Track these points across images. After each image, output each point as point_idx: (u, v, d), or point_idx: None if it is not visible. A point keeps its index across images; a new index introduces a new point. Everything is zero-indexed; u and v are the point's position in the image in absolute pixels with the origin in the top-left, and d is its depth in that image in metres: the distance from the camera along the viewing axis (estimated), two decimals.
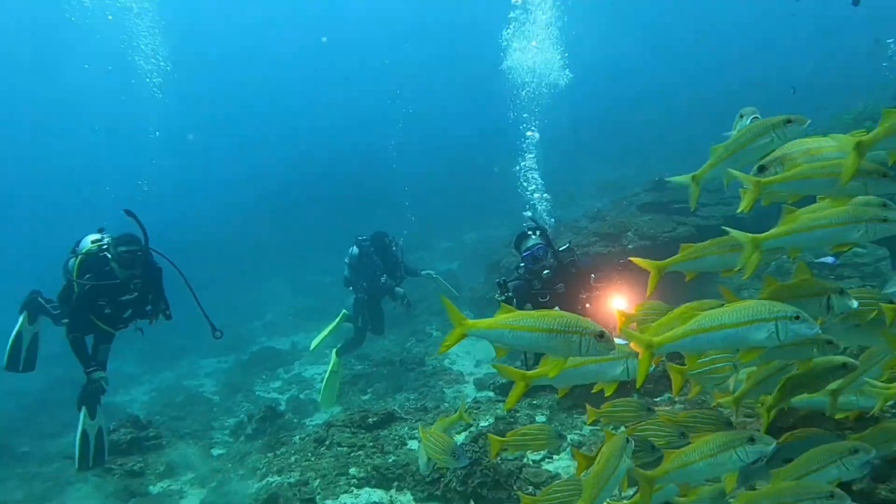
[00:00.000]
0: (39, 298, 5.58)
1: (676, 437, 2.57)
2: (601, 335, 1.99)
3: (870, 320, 2.48)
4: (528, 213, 7.94)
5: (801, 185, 2.30)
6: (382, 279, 7.48)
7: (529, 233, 5.20)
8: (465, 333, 2.12)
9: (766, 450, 2.20)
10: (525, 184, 8.46)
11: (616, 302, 4.73)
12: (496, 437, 3.00)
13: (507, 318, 2.07)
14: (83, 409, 5.05)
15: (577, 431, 4.71)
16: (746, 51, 28.76)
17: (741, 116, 2.59)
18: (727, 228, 2.34)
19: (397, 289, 7.56)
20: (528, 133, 9.16)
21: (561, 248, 5.19)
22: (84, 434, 5.06)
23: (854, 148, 2.10)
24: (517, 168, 8.68)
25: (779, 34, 27.21)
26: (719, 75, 24.73)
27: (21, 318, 5.55)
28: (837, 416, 2.64)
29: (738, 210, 2.40)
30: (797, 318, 2.00)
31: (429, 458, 3.13)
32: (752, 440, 2.19)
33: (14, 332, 5.53)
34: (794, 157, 2.42)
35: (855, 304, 2.32)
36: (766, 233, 2.31)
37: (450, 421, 3.52)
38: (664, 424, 2.63)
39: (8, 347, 5.51)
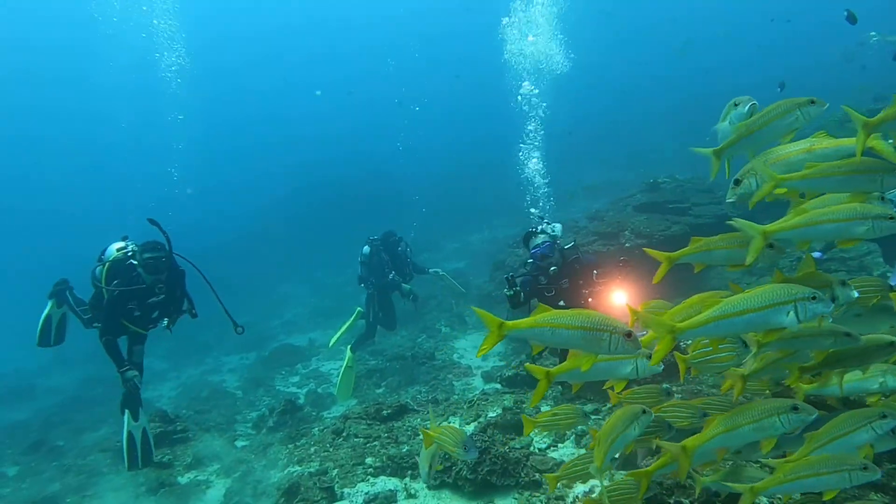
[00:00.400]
0: (67, 293, 5.60)
1: (699, 417, 2.54)
2: (629, 334, 2.01)
3: (871, 308, 2.40)
4: (535, 211, 7.78)
5: (818, 182, 2.23)
6: (390, 276, 7.41)
7: (537, 231, 5.13)
8: (505, 334, 2.08)
9: (808, 419, 2.16)
10: (528, 170, 8.24)
11: (617, 297, 4.66)
12: (529, 417, 2.98)
13: (546, 318, 2.06)
14: (126, 412, 5.04)
15: None
16: (735, 55, 28.52)
17: (735, 105, 2.47)
18: (737, 220, 2.24)
19: (404, 285, 7.49)
20: (523, 89, 8.84)
21: (566, 246, 5.12)
22: (130, 436, 5.07)
23: (862, 128, 2.07)
24: (521, 141, 8.46)
25: (769, 38, 26.95)
26: (704, 79, 24.44)
27: (49, 304, 5.59)
28: (868, 402, 2.53)
29: (750, 206, 2.33)
30: (814, 298, 1.96)
31: (430, 466, 3.05)
32: (795, 408, 2.16)
33: (43, 316, 5.57)
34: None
35: (856, 294, 2.25)
36: (775, 224, 2.22)
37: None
38: (686, 406, 2.60)
39: (39, 329, 5.57)
